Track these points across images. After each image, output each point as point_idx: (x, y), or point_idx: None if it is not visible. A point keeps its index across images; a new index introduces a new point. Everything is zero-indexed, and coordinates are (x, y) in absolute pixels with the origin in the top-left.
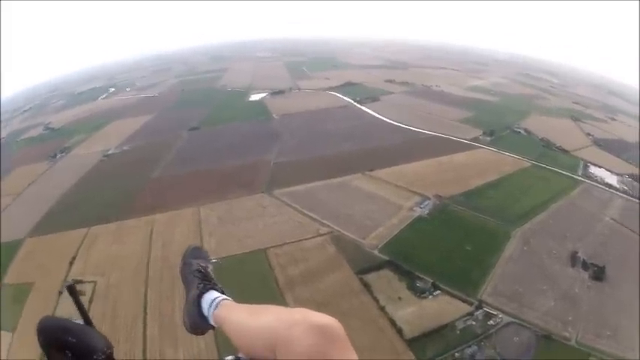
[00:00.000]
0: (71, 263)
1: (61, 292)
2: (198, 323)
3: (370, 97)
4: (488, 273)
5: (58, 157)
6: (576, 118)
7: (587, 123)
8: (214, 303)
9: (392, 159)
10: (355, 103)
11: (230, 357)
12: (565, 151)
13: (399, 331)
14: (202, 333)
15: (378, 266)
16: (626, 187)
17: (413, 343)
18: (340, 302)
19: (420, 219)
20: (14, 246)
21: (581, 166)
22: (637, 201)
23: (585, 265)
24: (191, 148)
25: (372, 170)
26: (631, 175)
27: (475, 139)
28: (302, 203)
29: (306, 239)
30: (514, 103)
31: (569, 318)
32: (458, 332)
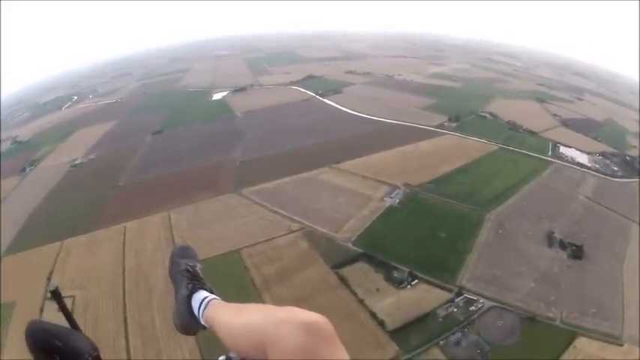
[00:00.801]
0: (49, 278)
1: (42, 310)
2: (189, 323)
3: (332, 89)
4: (464, 259)
5: (27, 170)
6: (541, 99)
7: (553, 104)
8: (204, 303)
9: (358, 150)
10: (317, 96)
11: (222, 357)
12: (533, 133)
13: (381, 324)
14: (194, 333)
15: (353, 259)
16: (597, 166)
17: (396, 334)
18: (318, 298)
19: (391, 209)
20: None
21: (551, 147)
22: (610, 178)
23: (563, 245)
24: (156, 153)
25: (338, 163)
26: (602, 154)
27: (440, 126)
28: (271, 201)
29: (278, 237)
30: (477, 88)
31: (552, 298)
32: (440, 320)
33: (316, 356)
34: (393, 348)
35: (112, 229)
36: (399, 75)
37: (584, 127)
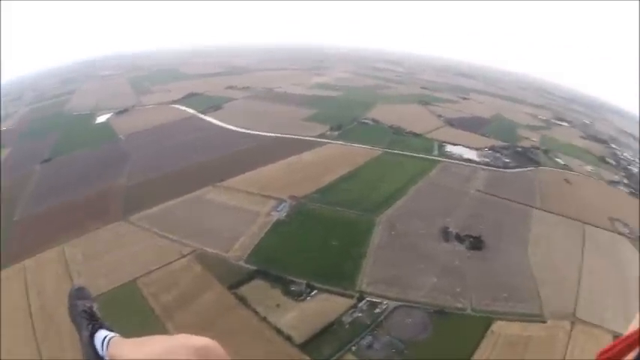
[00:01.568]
0: None
1: None
2: None
3: (213, 105)
4: (360, 264)
5: None
6: (425, 102)
7: (437, 105)
8: (105, 341)
9: (241, 166)
10: (199, 114)
11: None
12: (417, 135)
13: (288, 338)
14: None
15: (249, 277)
16: (487, 159)
17: (306, 346)
18: (220, 321)
19: (279, 222)
20: None
21: (436, 147)
22: (502, 170)
23: (460, 238)
24: (46, 182)
25: (222, 180)
26: (491, 148)
27: (322, 136)
28: (159, 226)
29: (171, 263)
30: (359, 96)
31: (458, 289)
32: (347, 327)
33: None
34: None
35: (12, 268)
36: (279, 87)
37: (470, 124)
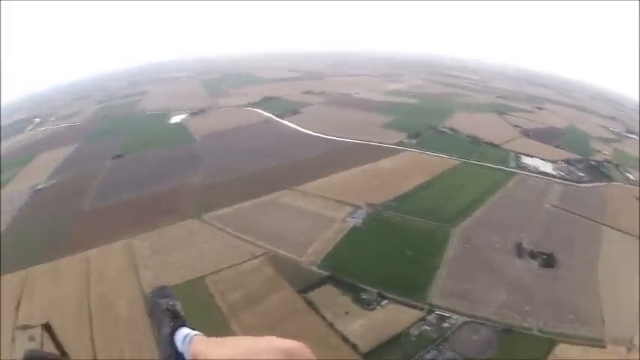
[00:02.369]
0: (17, 309)
1: (13, 340)
2: None
3: (290, 110)
4: (433, 275)
5: None
6: (502, 111)
7: (513, 115)
8: (187, 339)
9: (317, 171)
10: (276, 118)
11: None
12: (494, 145)
13: (354, 347)
14: None
15: (320, 282)
16: (562, 173)
17: (370, 356)
18: (287, 324)
19: (354, 229)
20: None
21: (513, 158)
22: (576, 184)
23: (533, 255)
24: (116, 178)
25: (298, 185)
26: (566, 161)
27: (400, 143)
28: (233, 226)
29: (242, 263)
30: (435, 104)
31: (526, 308)
32: (414, 339)
33: None
34: None
35: (76, 256)
36: (355, 93)
37: (546, 136)
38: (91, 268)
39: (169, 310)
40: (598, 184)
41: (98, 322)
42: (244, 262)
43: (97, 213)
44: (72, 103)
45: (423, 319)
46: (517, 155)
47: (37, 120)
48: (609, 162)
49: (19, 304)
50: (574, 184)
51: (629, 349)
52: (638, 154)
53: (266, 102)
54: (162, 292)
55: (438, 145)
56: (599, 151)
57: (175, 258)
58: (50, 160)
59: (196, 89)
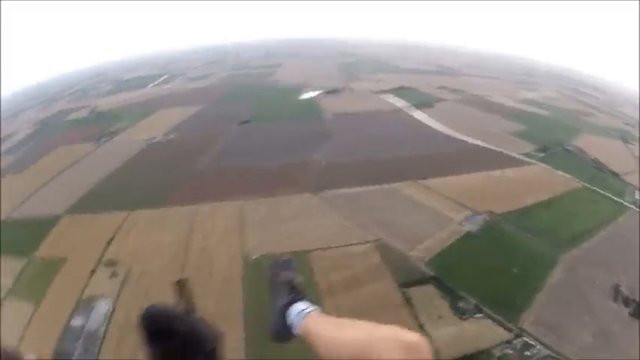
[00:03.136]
0: (108, 244)
1: (93, 272)
2: (282, 332)
3: (423, 102)
4: (531, 299)
5: (102, 140)
6: (625, 139)
7: (635, 145)
8: (302, 313)
9: (444, 169)
10: (408, 108)
11: None
12: (615, 174)
13: (436, 352)
14: (284, 341)
15: (422, 280)
16: None
17: None
18: (380, 314)
19: (468, 235)
20: (51, 222)
21: (630, 192)
22: None
23: (626, 301)
24: (239, 142)
25: (423, 179)
26: None
27: (527, 155)
28: (350, 207)
29: (351, 245)
30: (565, 119)
31: (606, 355)
32: None
33: None
34: None
35: (183, 208)
36: (489, 96)
37: None
38: (197, 222)
39: (289, 283)
40: None
41: (190, 273)
42: (353, 244)
43: (212, 172)
44: (202, 67)
45: (509, 341)
46: (634, 189)
47: (164, 77)
48: None
49: (111, 240)
50: None
51: None
52: None
53: (399, 91)
54: (285, 264)
55: (563, 164)
56: None
57: (285, 228)
58: (172, 117)
59: (331, 69)
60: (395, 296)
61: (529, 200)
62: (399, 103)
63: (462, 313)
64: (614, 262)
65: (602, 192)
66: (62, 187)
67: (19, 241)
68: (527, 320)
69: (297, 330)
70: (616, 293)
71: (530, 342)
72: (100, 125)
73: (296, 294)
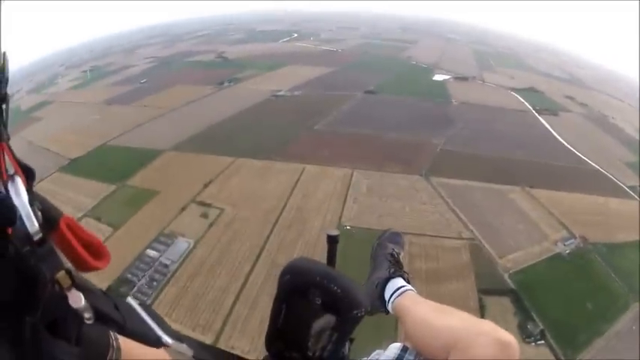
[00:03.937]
0: (205, 186)
1: (183, 209)
2: (375, 305)
3: (549, 109)
4: (593, 340)
5: (225, 85)
6: None
7: None
8: (399, 290)
9: (553, 182)
10: (533, 111)
11: (398, 344)
12: None
13: None
14: (372, 314)
15: (501, 292)
16: None
17: None
18: None
19: (558, 256)
20: (152, 155)
21: None
22: None
23: None
24: (361, 111)
25: (531, 187)
26: None
27: (632, 188)
28: (455, 199)
29: (445, 237)
30: None
31: None
32: None
33: None
34: None
35: (290, 165)
36: (613, 118)
37: None
38: (301, 181)
39: (393, 256)
40: None
41: (281, 228)
42: (448, 237)
43: (328, 135)
44: (336, 30)
45: None
46: None
47: (295, 35)
48: None
49: (209, 183)
50: None
51: None
52: None
53: (529, 92)
54: (393, 237)
55: None
56: None
57: (386, 204)
58: (300, 73)
59: (466, 56)
60: (471, 300)
61: (623, 236)
62: (526, 103)
63: (527, 336)
64: None
65: None
66: (172, 123)
67: (113, 169)
68: None
69: (391, 306)
70: None
71: None
72: (224, 71)
73: (397, 269)
